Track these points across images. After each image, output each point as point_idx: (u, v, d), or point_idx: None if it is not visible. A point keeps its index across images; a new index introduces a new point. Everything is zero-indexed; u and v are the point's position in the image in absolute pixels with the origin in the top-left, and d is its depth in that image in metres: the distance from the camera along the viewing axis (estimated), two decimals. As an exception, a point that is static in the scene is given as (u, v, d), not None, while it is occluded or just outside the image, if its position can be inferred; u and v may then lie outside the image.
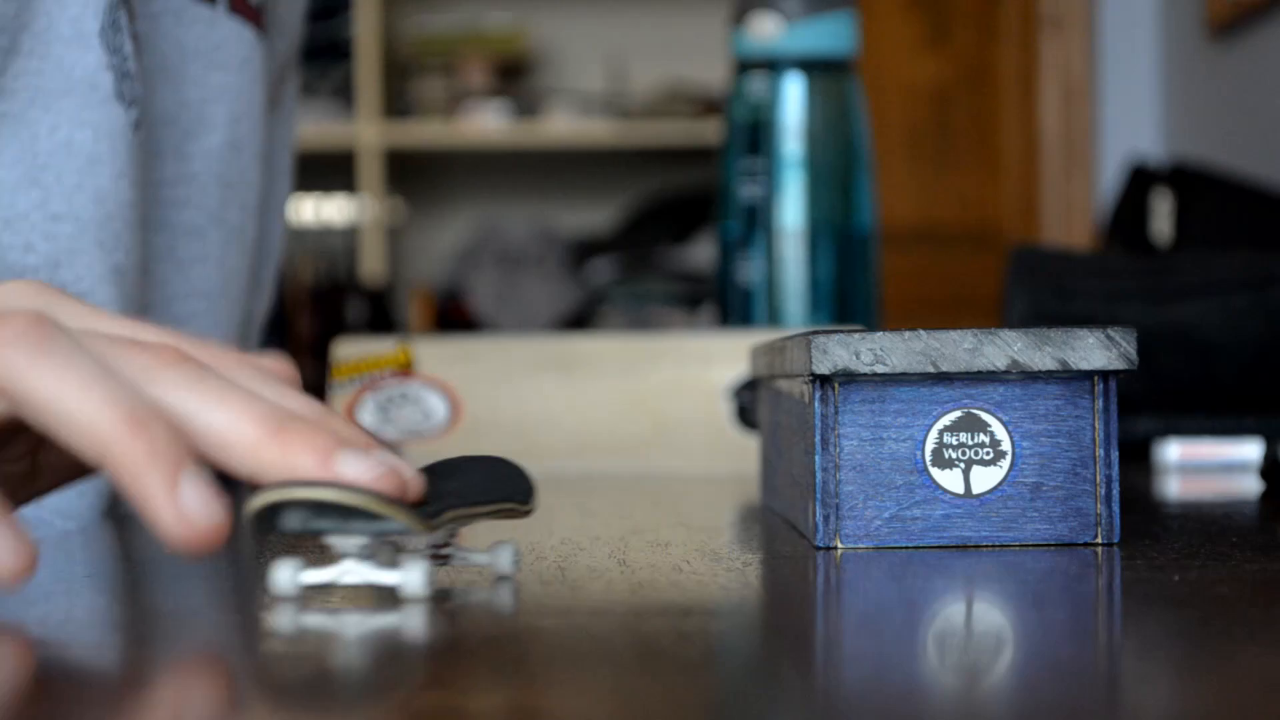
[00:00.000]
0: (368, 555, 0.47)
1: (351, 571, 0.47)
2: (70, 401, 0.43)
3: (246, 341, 0.90)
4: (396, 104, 3.37)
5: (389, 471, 0.45)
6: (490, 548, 0.52)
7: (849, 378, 0.58)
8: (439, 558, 0.51)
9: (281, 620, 0.46)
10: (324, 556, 0.49)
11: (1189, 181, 2.03)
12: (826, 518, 0.58)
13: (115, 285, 0.72)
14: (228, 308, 0.84)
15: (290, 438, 0.45)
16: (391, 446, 0.92)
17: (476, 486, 0.50)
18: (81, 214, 0.72)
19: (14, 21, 0.70)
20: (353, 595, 0.48)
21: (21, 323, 0.44)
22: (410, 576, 0.47)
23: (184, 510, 0.43)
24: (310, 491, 0.44)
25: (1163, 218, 2.01)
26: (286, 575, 0.48)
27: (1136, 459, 0.99)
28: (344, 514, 0.45)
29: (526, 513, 0.51)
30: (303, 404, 0.47)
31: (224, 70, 0.80)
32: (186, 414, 0.45)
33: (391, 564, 0.47)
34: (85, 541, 0.69)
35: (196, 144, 0.80)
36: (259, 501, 0.44)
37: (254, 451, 0.45)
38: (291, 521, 0.45)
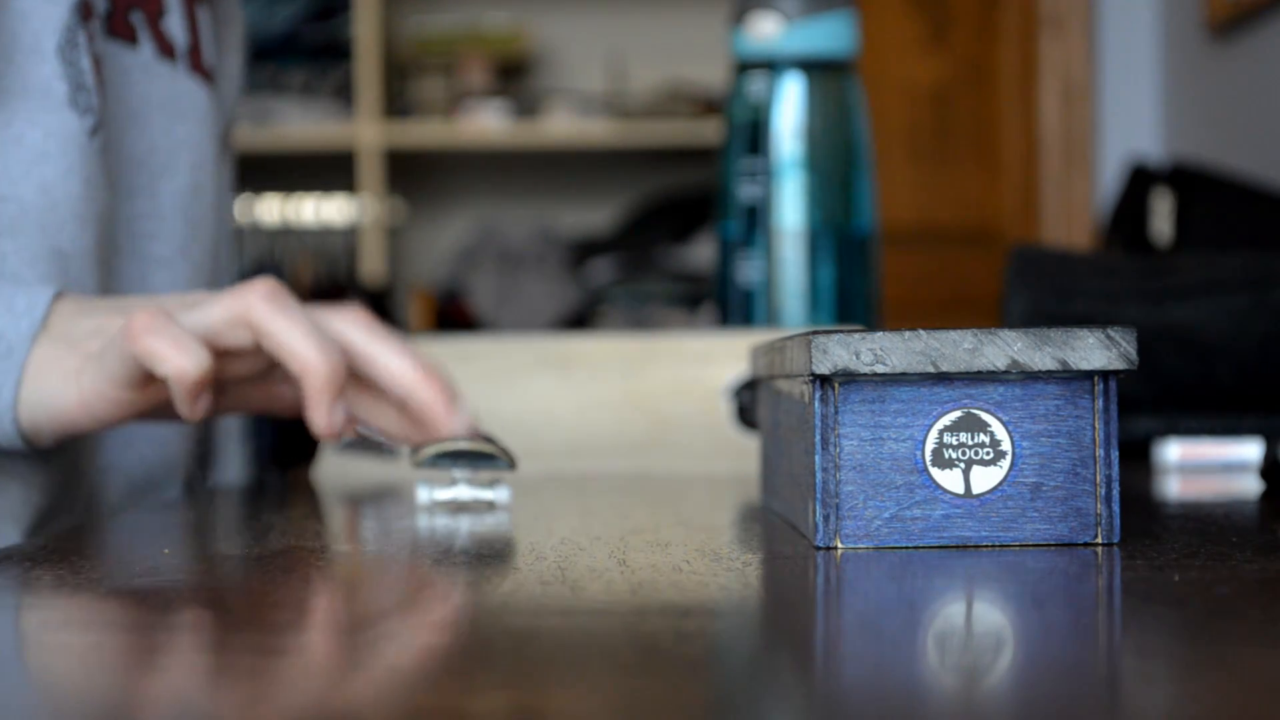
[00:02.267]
0: (471, 481, 0.77)
1: (466, 491, 0.77)
2: (294, 339, 0.74)
3: None
4: (396, 104, 3.37)
5: (472, 419, 0.82)
6: (494, 486, 0.78)
7: (849, 378, 0.58)
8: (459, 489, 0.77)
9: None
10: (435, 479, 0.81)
11: (1189, 181, 2.03)
12: (826, 518, 0.58)
13: (53, 264, 0.81)
14: None
15: (432, 381, 0.80)
16: (392, 446, 0.97)
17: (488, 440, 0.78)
18: (25, 198, 0.80)
19: None
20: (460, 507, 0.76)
21: (265, 286, 0.75)
22: (500, 494, 0.77)
23: (331, 422, 0.76)
24: (468, 444, 0.76)
25: (1163, 218, 2.01)
26: (425, 493, 0.77)
27: (1136, 459, 0.98)
28: (471, 457, 0.76)
29: (510, 468, 0.78)
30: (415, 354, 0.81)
31: (184, 122, 0.91)
32: (370, 355, 0.80)
33: (487, 485, 0.77)
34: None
35: (165, 184, 0.90)
36: (432, 450, 0.76)
37: (415, 385, 0.80)
38: (441, 462, 0.76)
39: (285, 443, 1.22)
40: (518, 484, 0.91)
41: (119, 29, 0.88)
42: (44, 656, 0.44)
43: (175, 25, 0.91)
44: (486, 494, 0.77)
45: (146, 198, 0.89)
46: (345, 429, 0.76)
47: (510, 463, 0.76)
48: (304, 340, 0.74)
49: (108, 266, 0.86)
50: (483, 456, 0.76)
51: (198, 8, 0.93)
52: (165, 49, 0.90)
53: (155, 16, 0.90)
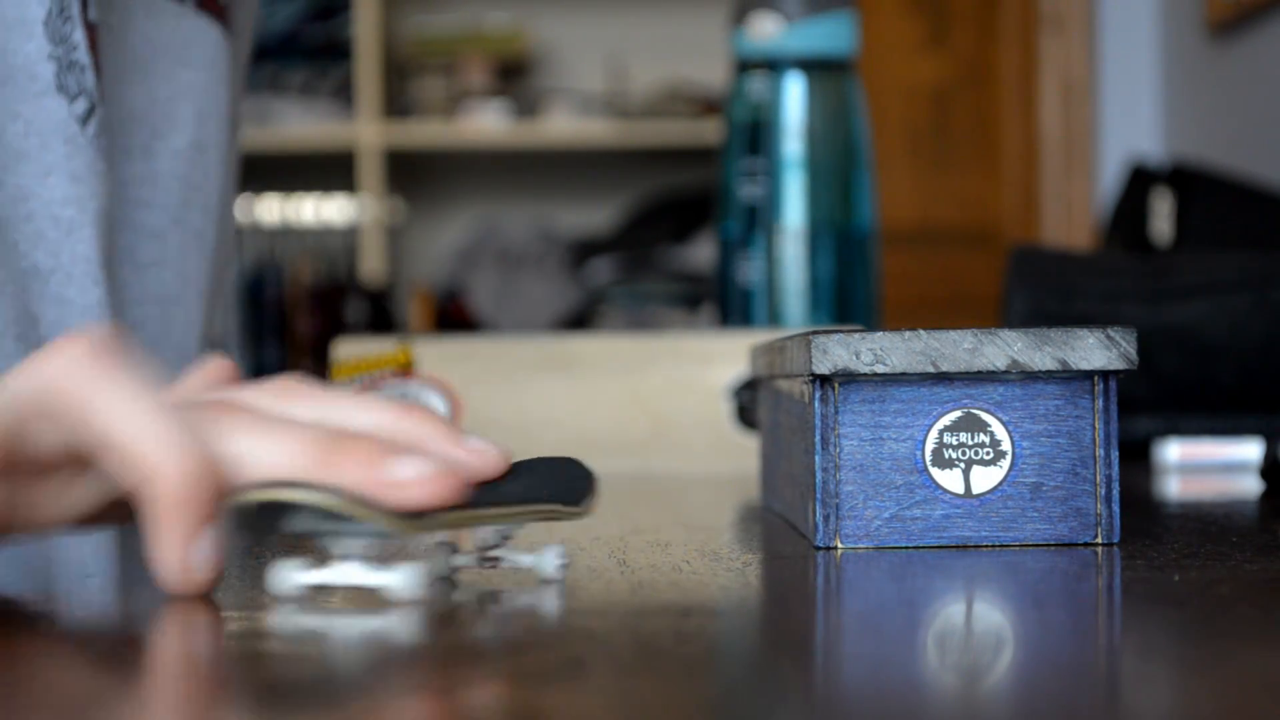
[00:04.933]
0: (364, 556, 0.48)
1: (346, 573, 0.48)
2: (137, 434, 0.46)
3: (212, 346, 0.86)
4: (396, 104, 3.37)
5: (439, 474, 0.47)
6: (537, 550, 0.51)
7: (849, 378, 0.58)
8: (489, 559, 0.52)
9: (280, 620, 0.46)
10: (323, 556, 0.50)
11: (1189, 181, 2.03)
12: (826, 518, 0.58)
13: (21, 291, 0.70)
14: (184, 313, 0.81)
15: (339, 457, 0.47)
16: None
17: (525, 487, 0.50)
18: None
19: None
20: (354, 596, 0.49)
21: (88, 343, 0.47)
22: (399, 578, 0.47)
23: (190, 562, 0.46)
24: (281, 493, 0.46)
25: (1163, 218, 2.01)
26: (285, 576, 0.49)
27: (1136, 459, 0.98)
28: (338, 517, 0.46)
29: (575, 515, 0.51)
30: (383, 416, 0.49)
31: (192, 68, 0.78)
32: (241, 454, 0.47)
33: (386, 564, 0.48)
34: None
35: (163, 143, 0.78)
36: (247, 498, 0.47)
37: (309, 477, 0.47)
38: (293, 524, 0.47)
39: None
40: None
41: None
42: (43, 658, 0.44)
43: None
44: (378, 576, 0.48)
45: (141, 159, 0.77)
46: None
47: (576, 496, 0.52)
48: (151, 430, 0.46)
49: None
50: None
51: None
52: None
53: None
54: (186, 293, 0.80)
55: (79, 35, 0.71)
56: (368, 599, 0.48)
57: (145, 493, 0.46)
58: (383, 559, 0.48)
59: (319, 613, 0.47)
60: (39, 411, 0.47)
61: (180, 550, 0.46)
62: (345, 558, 0.48)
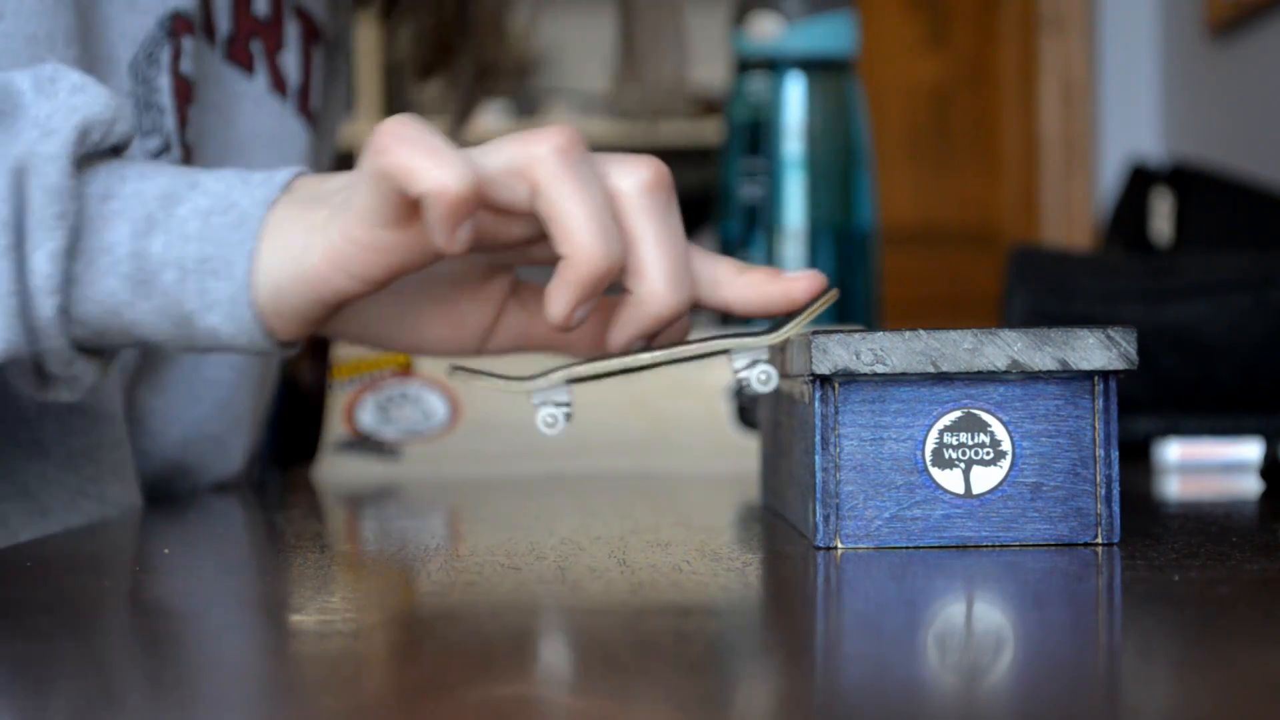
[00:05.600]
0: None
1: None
2: (576, 213, 0.60)
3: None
4: (396, 104, 3.37)
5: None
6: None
7: (849, 378, 0.58)
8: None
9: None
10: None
11: (1189, 181, 2.03)
12: (826, 518, 0.58)
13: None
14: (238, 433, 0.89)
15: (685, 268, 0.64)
16: (392, 446, 0.96)
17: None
18: None
19: (78, 34, 0.73)
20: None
21: (562, 136, 0.61)
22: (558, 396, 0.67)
23: (576, 317, 0.62)
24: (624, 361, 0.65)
25: (1163, 218, 2.01)
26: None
27: (1136, 459, 0.98)
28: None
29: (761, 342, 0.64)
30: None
31: (288, 160, 0.85)
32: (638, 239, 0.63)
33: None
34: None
35: None
36: (579, 371, 0.66)
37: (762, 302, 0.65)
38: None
39: (285, 443, 1.22)
40: (517, 486, 0.91)
41: (238, 55, 0.83)
42: (40, 658, 0.44)
43: (290, 62, 0.87)
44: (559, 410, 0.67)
45: None
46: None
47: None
48: (434, 164, 0.58)
49: None
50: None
51: (314, 49, 0.90)
52: (278, 84, 0.86)
53: (274, 49, 0.86)
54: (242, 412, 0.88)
55: (164, 81, 0.76)
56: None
57: (567, 267, 0.60)
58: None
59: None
60: (521, 174, 0.60)
61: (570, 310, 0.61)
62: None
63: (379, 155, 0.60)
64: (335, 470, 0.99)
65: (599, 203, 0.61)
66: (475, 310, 0.69)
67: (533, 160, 0.60)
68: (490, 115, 3.29)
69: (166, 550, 0.67)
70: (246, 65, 0.84)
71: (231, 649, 0.45)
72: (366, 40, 3.29)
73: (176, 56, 0.77)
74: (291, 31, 0.87)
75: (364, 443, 0.99)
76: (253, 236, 0.63)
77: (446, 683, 0.39)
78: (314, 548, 0.64)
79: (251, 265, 0.63)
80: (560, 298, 0.61)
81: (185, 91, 0.77)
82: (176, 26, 0.77)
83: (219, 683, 0.40)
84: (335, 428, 1.01)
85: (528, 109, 3.35)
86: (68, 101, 0.63)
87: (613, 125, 3.28)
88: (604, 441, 1.01)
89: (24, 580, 0.56)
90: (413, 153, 0.59)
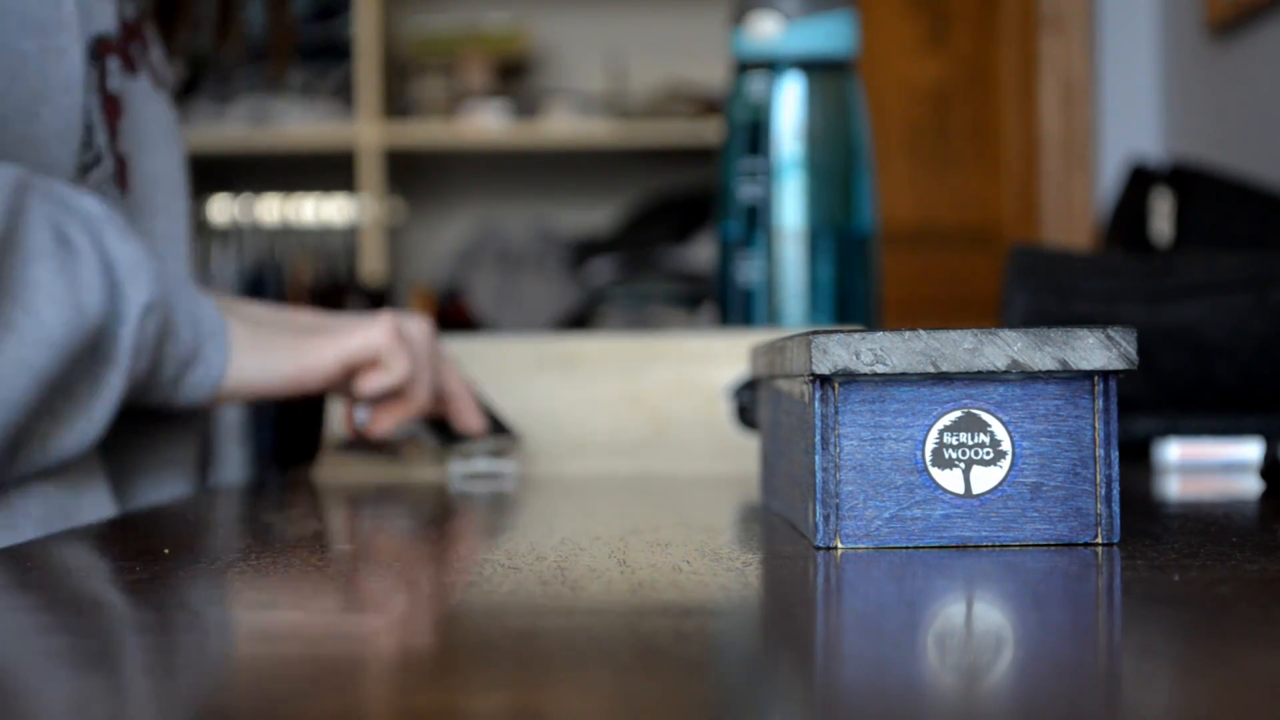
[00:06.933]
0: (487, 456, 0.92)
1: (483, 464, 0.96)
2: (405, 371, 0.94)
3: None
4: (396, 104, 3.37)
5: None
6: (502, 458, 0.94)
7: (849, 378, 0.58)
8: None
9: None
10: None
11: (1189, 181, 2.03)
12: (826, 518, 0.58)
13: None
14: None
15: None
16: (391, 446, 0.97)
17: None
18: None
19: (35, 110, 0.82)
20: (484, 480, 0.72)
21: (391, 323, 0.94)
22: (507, 466, 0.96)
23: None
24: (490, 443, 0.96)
25: (1163, 218, 2.01)
26: (458, 469, 0.96)
27: (1136, 459, 0.98)
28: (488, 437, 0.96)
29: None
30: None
31: (175, 143, 0.95)
32: (456, 403, 0.97)
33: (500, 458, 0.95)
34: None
35: (178, 204, 0.94)
36: (465, 450, 0.96)
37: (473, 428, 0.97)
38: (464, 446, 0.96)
39: (285, 443, 1.22)
40: (517, 486, 0.91)
41: (127, 59, 0.90)
42: (42, 657, 0.44)
43: (157, 55, 0.94)
44: (500, 466, 0.96)
45: (165, 217, 0.93)
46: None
47: (513, 436, 0.97)
48: (404, 365, 0.93)
49: None
50: (497, 432, 0.97)
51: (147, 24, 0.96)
52: (157, 79, 0.94)
53: (146, 46, 0.93)
54: None
55: (93, 100, 0.84)
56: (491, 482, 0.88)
57: (399, 400, 0.95)
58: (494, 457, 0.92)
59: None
60: (374, 350, 0.92)
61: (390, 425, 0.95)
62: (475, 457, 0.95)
63: (390, 337, 0.93)
64: (335, 470, 0.99)
65: (420, 364, 0.95)
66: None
67: (380, 340, 0.93)
68: (490, 115, 3.29)
69: (166, 550, 0.67)
70: (133, 68, 0.91)
71: (231, 649, 0.45)
72: (367, 40, 3.29)
73: (103, 76, 0.84)
74: (150, 26, 0.94)
75: (364, 443, 0.99)
76: (224, 347, 0.86)
77: (447, 683, 0.39)
78: (314, 548, 0.64)
79: (224, 371, 0.86)
80: (384, 422, 0.95)
81: (114, 107, 0.86)
82: (100, 49, 0.84)
83: (219, 682, 0.40)
84: (335, 428, 1.01)
85: (527, 109, 3.35)
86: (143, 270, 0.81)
87: (613, 125, 3.28)
88: (604, 441, 1.01)
89: (25, 580, 0.56)
90: (398, 355, 0.93)
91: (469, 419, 0.97)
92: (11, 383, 0.74)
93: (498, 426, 0.99)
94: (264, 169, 3.43)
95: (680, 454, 1.00)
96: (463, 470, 0.96)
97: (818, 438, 0.58)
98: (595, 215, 3.54)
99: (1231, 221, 1.96)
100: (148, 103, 0.92)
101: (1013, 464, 0.58)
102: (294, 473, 1.05)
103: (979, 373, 0.58)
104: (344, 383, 0.92)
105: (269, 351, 0.89)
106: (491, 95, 3.35)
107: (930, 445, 0.58)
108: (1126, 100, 3.14)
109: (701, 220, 3.26)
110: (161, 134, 0.94)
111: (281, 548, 0.63)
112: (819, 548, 0.58)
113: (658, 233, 3.32)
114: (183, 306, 0.84)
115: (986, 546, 0.58)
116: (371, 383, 0.92)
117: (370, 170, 3.27)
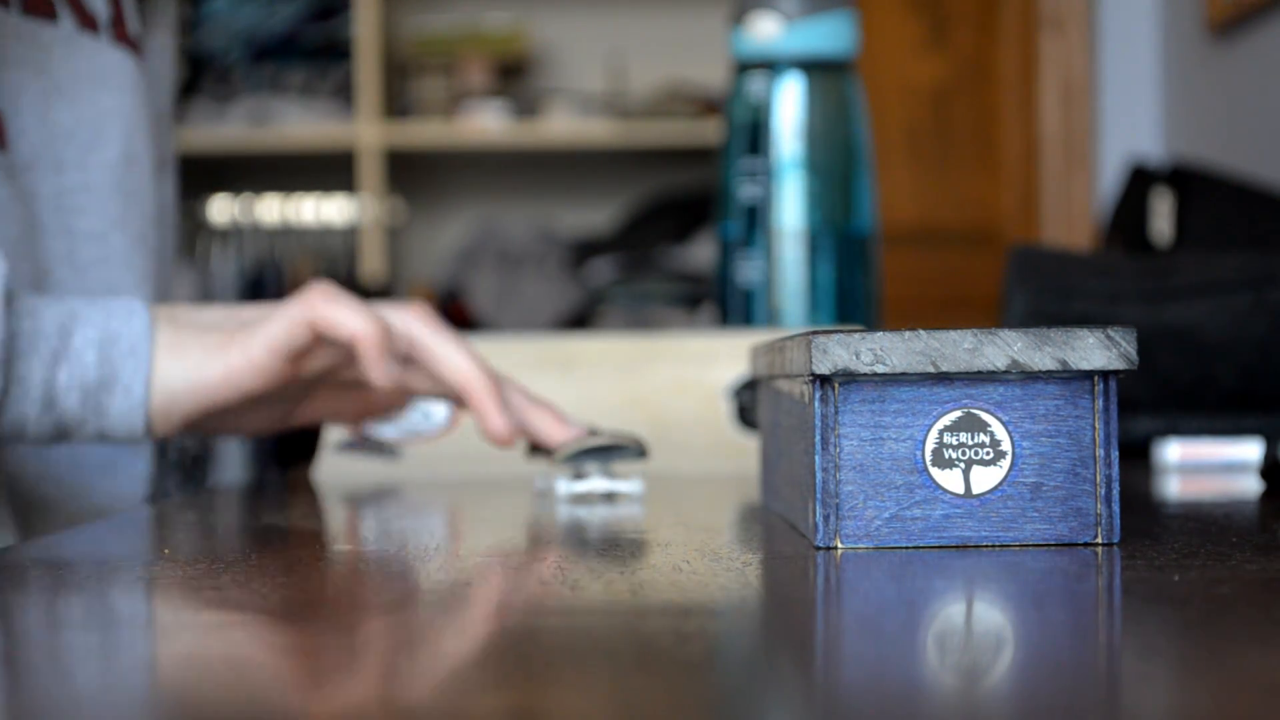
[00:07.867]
0: (606, 473, 0.83)
1: (600, 483, 0.83)
2: (347, 319, 0.80)
3: None
4: (396, 104, 3.37)
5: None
6: (627, 477, 0.85)
7: (849, 378, 0.58)
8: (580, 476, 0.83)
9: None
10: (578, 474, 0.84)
11: (1189, 181, 2.03)
12: (826, 518, 0.58)
13: None
14: None
15: (487, 380, 0.86)
16: (392, 446, 0.97)
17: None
18: None
19: None
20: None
21: (423, 309, 0.86)
22: (633, 485, 0.83)
23: (506, 426, 0.83)
24: (604, 439, 0.85)
25: (1163, 218, 2.01)
26: (563, 486, 0.83)
27: (1136, 459, 0.98)
28: (604, 451, 0.85)
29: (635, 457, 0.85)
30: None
31: (114, 92, 0.91)
32: (428, 348, 0.85)
33: (621, 477, 0.84)
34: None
35: (95, 156, 0.90)
36: (571, 449, 0.85)
37: (469, 381, 0.85)
38: (581, 461, 0.85)
39: (285, 443, 1.22)
40: (517, 486, 0.91)
41: (35, 6, 0.88)
42: (44, 656, 0.44)
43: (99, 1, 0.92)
44: (621, 485, 0.83)
45: (76, 171, 0.89)
46: (395, 394, 0.86)
47: (640, 451, 0.85)
48: (354, 317, 0.80)
49: (31, 248, 0.87)
50: (615, 450, 0.85)
51: None
52: (87, 21, 0.90)
53: None
54: (144, 287, 0.94)
55: None
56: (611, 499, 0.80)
57: (356, 345, 0.80)
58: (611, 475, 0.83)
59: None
60: (305, 323, 0.80)
61: (500, 421, 0.83)
62: (595, 474, 0.83)
63: (309, 309, 0.80)
64: (335, 470, 0.99)
65: (360, 309, 0.81)
66: (280, 409, 0.86)
67: (310, 310, 0.80)
68: (490, 115, 3.29)
69: (166, 550, 0.67)
70: (48, 13, 0.88)
71: (230, 649, 0.45)
72: (367, 40, 3.29)
73: None
74: None
75: (364, 443, 0.99)
76: (147, 362, 0.80)
77: (447, 683, 0.39)
78: (314, 547, 0.64)
79: (147, 392, 0.79)
80: (492, 415, 0.84)
81: None
82: None
83: (219, 682, 0.40)
84: (335, 428, 1.01)
85: (527, 109, 3.35)
86: None
87: (613, 125, 3.28)
88: (604, 441, 1.00)
89: (24, 580, 0.56)
90: (337, 309, 0.80)
91: (552, 429, 0.86)
92: None
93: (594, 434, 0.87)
94: (264, 169, 3.43)
95: (680, 454, 1.00)
96: (570, 489, 0.83)
97: (818, 438, 0.58)
98: (595, 215, 3.54)
99: (1231, 221, 1.96)
100: (69, 49, 0.89)
101: (1013, 464, 0.58)
102: (294, 473, 1.05)
103: (979, 373, 0.58)
104: (297, 372, 0.82)
105: (190, 354, 0.80)
106: (491, 95, 3.35)
107: (930, 445, 0.58)
108: (1126, 100, 3.14)
109: (701, 220, 3.26)
110: (87, 82, 0.89)
111: (281, 547, 0.63)
112: (819, 548, 0.58)
113: (658, 233, 3.32)
114: (83, 329, 0.79)
115: (986, 546, 0.58)
116: (334, 334, 0.81)
117: (370, 170, 3.27)
